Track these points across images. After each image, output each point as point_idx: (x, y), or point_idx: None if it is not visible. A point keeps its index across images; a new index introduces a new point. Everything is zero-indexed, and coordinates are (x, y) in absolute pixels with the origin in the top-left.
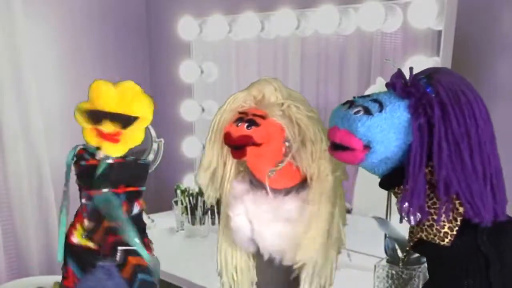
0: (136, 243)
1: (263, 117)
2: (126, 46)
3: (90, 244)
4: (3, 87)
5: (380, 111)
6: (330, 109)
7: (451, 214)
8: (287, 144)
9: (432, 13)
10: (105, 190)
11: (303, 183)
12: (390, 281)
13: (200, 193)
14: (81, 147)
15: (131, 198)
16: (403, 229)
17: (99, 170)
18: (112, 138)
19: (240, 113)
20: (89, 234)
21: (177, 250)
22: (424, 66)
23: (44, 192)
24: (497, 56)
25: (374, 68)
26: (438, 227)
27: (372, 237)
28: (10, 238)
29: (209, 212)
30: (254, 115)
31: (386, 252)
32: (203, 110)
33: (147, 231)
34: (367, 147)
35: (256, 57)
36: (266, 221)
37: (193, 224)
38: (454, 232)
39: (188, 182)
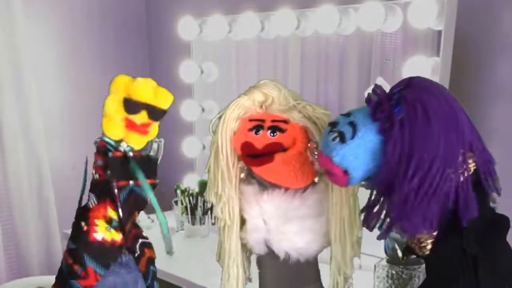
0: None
1: (285, 121)
2: (126, 46)
3: (116, 237)
4: (3, 87)
5: (353, 137)
6: (330, 109)
7: None
8: (312, 145)
9: (432, 13)
10: (131, 182)
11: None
12: (390, 281)
13: (200, 193)
14: (100, 139)
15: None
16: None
17: (131, 162)
18: (144, 129)
19: (252, 120)
20: (121, 224)
21: (177, 250)
22: (424, 66)
23: (44, 192)
24: (497, 56)
25: (374, 68)
26: (418, 237)
27: (372, 237)
28: (10, 238)
29: (209, 212)
30: (274, 121)
31: (386, 252)
32: (203, 110)
33: (147, 231)
34: (346, 173)
35: (256, 57)
36: (287, 220)
37: (193, 224)
38: (430, 245)
39: (188, 182)
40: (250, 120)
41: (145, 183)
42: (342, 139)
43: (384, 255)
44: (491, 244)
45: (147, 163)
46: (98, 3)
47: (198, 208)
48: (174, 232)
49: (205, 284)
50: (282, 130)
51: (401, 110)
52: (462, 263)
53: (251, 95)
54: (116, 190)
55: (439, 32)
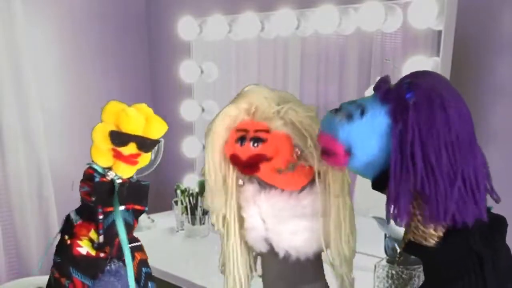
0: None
1: (267, 131)
2: (126, 46)
3: (101, 254)
4: (3, 87)
5: (361, 116)
6: (330, 109)
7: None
8: (297, 149)
9: (432, 13)
10: (121, 207)
11: (314, 179)
12: (390, 281)
13: (200, 193)
14: (88, 167)
15: (137, 216)
16: (403, 229)
17: (116, 189)
18: (132, 160)
19: (239, 130)
20: (101, 248)
21: (177, 250)
22: (424, 66)
23: (44, 192)
24: (497, 56)
25: (374, 68)
26: (423, 229)
27: (372, 237)
28: (10, 238)
29: (209, 212)
30: (257, 130)
31: (386, 252)
32: (203, 110)
33: (147, 231)
34: (348, 152)
35: (256, 57)
36: (282, 219)
37: (193, 224)
38: (440, 234)
39: (188, 182)
40: (237, 131)
41: (117, 210)
42: (350, 118)
43: (384, 255)
44: (493, 243)
45: (136, 189)
46: (98, 3)
47: (198, 208)
48: (174, 232)
49: (205, 284)
50: (263, 141)
51: (413, 95)
52: (468, 261)
53: (237, 104)
54: (100, 217)
55: (439, 32)
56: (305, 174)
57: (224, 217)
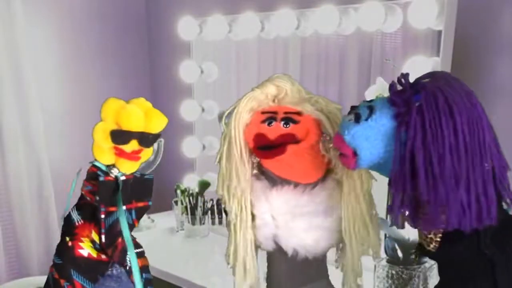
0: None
1: (299, 113)
2: (126, 46)
3: (102, 256)
4: (3, 87)
5: (368, 118)
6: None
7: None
8: (325, 137)
9: (432, 13)
10: (123, 207)
11: (328, 173)
12: (390, 281)
13: (200, 193)
14: (91, 165)
15: (140, 214)
16: (403, 229)
17: (120, 187)
18: (135, 156)
19: (265, 113)
20: (104, 249)
21: (177, 250)
22: (424, 66)
23: (44, 192)
24: (497, 56)
25: (374, 68)
26: (424, 232)
27: None
28: (10, 238)
29: (209, 212)
30: (287, 113)
31: (386, 252)
32: (203, 110)
33: (147, 231)
34: (355, 154)
35: (256, 57)
36: (295, 216)
37: (193, 224)
38: (438, 239)
39: (188, 182)
40: (263, 113)
41: (121, 210)
42: (357, 120)
43: (384, 255)
44: (505, 245)
45: (140, 185)
46: (98, 3)
47: (198, 208)
48: (174, 232)
49: (205, 284)
50: (295, 122)
51: (419, 98)
52: (479, 264)
53: (264, 88)
54: (103, 216)
55: (439, 32)
56: (323, 166)
57: (243, 201)
